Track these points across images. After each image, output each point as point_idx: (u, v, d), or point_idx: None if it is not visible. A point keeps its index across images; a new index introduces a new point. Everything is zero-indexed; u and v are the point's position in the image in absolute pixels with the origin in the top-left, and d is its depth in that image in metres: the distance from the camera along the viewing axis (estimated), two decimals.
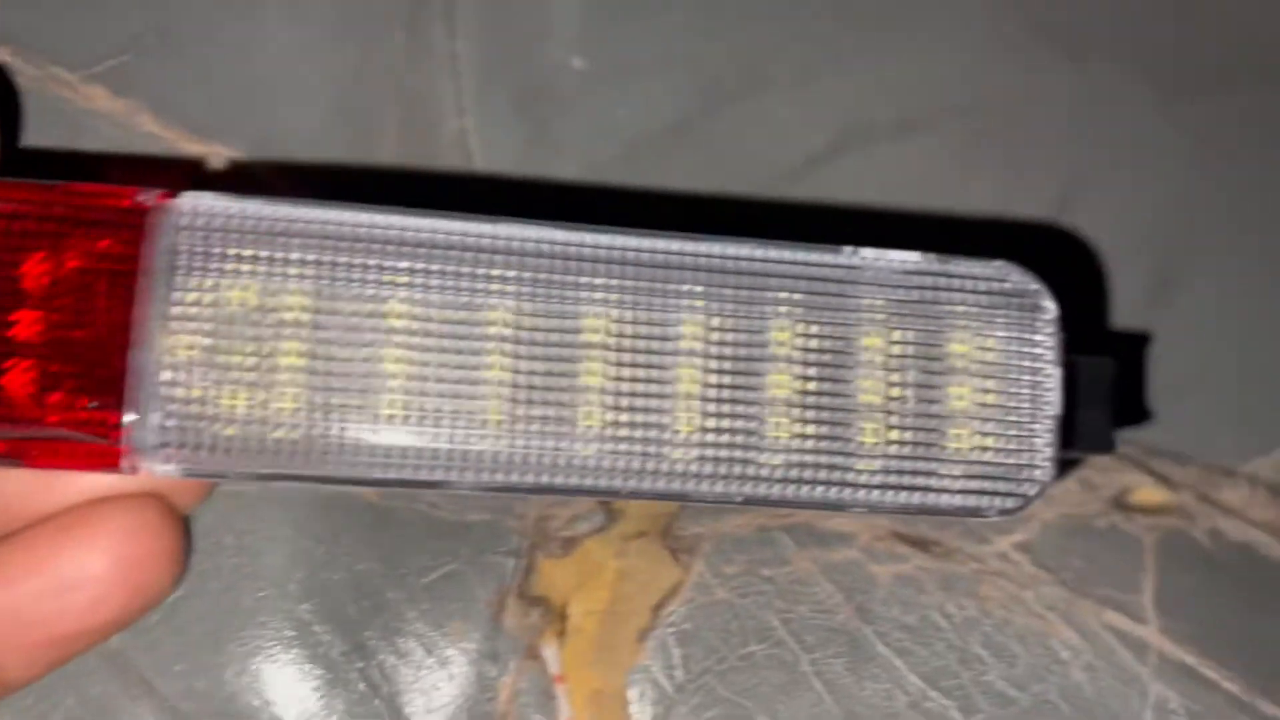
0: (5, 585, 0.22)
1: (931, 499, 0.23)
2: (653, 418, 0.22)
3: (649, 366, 0.22)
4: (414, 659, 0.29)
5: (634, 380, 0.22)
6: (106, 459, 0.22)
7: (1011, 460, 0.24)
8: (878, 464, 0.23)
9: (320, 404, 0.21)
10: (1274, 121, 0.37)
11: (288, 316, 0.21)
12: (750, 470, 0.23)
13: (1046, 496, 0.33)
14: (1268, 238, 0.37)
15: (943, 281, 0.23)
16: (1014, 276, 0.24)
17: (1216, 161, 0.37)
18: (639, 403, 0.22)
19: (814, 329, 0.23)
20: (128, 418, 0.21)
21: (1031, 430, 0.23)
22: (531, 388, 0.22)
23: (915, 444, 0.23)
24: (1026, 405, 0.23)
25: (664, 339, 0.23)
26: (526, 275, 0.22)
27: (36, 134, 0.30)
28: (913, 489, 0.23)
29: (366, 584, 0.29)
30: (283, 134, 0.30)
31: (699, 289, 0.23)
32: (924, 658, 0.30)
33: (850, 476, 0.23)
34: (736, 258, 0.23)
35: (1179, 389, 0.36)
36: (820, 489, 0.23)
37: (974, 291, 0.23)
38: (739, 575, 0.30)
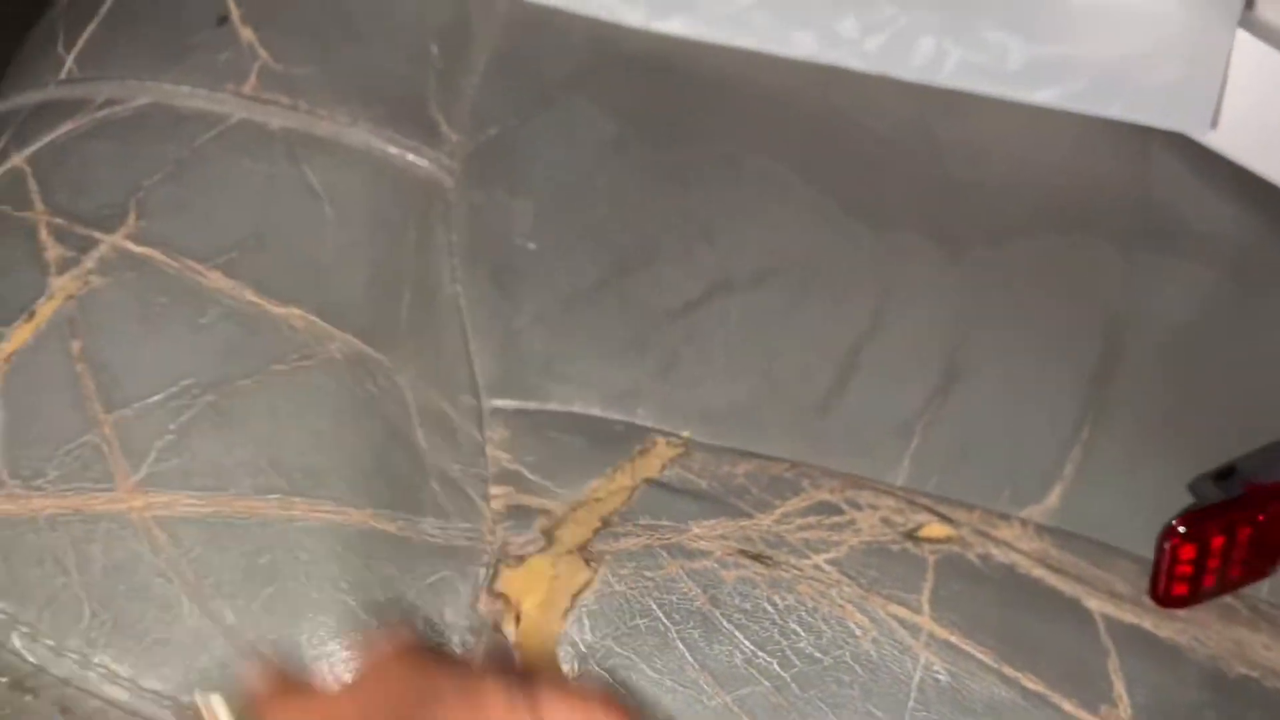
0: None
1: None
2: None
3: None
4: (422, 632, 0.40)
5: None
6: None
7: None
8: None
9: None
10: (1027, 265, 0.49)
11: None
12: None
13: (854, 529, 0.46)
14: (1026, 343, 0.49)
15: None
16: None
17: (989, 293, 0.49)
18: None
19: None
20: None
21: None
22: None
23: None
24: None
25: None
26: None
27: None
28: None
29: (390, 585, 0.40)
30: (337, 301, 0.44)
31: None
32: (755, 631, 0.41)
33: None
34: None
35: (966, 454, 0.47)
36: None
37: None
38: (630, 576, 0.41)
